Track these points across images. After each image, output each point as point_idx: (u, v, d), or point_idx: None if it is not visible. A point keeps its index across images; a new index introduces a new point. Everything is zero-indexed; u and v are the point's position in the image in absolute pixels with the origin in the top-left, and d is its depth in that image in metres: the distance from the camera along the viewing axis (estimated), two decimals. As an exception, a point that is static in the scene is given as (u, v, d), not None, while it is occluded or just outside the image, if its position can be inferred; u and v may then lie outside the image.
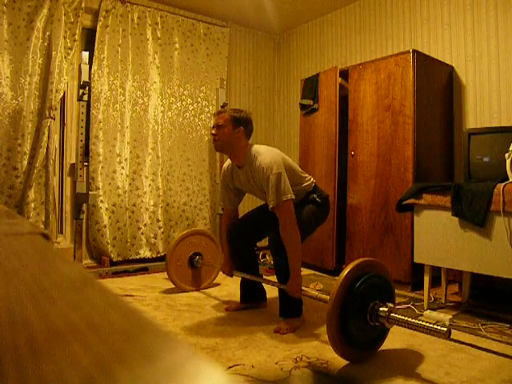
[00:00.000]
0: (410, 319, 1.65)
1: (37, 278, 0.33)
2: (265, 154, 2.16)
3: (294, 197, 2.11)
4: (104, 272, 3.40)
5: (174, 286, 2.89)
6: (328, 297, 1.75)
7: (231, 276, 2.58)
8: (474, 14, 3.15)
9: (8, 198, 3.27)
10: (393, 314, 1.68)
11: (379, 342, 1.84)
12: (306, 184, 2.34)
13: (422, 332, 1.62)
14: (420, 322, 1.62)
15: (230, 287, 2.99)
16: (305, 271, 3.33)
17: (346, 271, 1.72)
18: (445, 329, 1.55)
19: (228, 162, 2.39)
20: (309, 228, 2.32)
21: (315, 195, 2.35)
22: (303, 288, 2.13)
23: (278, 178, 2.07)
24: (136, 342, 0.22)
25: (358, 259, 1.82)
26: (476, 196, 2.20)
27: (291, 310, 2.20)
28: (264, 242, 2.59)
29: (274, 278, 2.32)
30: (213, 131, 2.24)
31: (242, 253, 2.48)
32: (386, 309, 1.70)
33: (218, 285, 3.08)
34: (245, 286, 2.54)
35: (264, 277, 2.59)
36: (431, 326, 1.59)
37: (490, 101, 3.06)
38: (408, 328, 1.67)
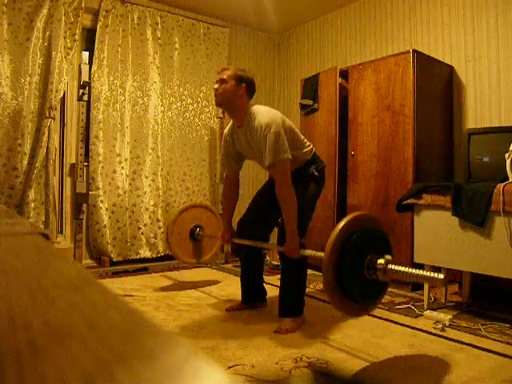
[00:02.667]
0: (406, 269, 1.63)
1: (37, 278, 0.33)
2: (264, 113, 2.15)
3: (290, 157, 2.08)
4: (104, 272, 3.40)
5: (173, 283, 2.89)
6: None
7: (231, 243, 2.56)
8: (474, 14, 3.15)
9: (8, 198, 3.27)
10: (390, 266, 1.64)
11: (379, 296, 1.80)
12: (306, 150, 2.29)
13: (420, 281, 1.60)
14: (416, 272, 1.61)
15: (230, 287, 2.99)
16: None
17: (341, 224, 1.68)
18: (442, 276, 1.54)
19: (229, 125, 2.38)
20: (312, 207, 2.31)
21: (314, 168, 2.29)
22: (300, 251, 2.08)
23: (275, 137, 2.04)
24: (136, 342, 0.22)
25: (354, 213, 1.78)
26: (476, 196, 2.20)
27: (291, 310, 2.20)
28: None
29: (274, 279, 2.33)
30: (215, 86, 2.23)
31: (252, 254, 2.47)
32: (383, 261, 1.66)
33: (217, 283, 3.08)
34: (246, 287, 2.53)
35: (264, 277, 2.59)
36: (427, 274, 1.58)
37: (489, 101, 3.06)
38: (405, 279, 1.65)
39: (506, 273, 2.08)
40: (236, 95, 2.18)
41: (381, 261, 1.66)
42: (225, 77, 2.20)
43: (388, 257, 1.68)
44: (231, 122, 2.35)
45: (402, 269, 1.63)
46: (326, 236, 3.45)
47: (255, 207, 2.50)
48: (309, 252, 2.05)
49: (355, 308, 1.71)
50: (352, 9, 4.11)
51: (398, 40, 3.69)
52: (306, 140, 2.35)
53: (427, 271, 1.61)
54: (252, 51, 4.80)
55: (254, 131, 2.13)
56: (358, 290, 1.67)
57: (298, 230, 2.09)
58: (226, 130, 2.41)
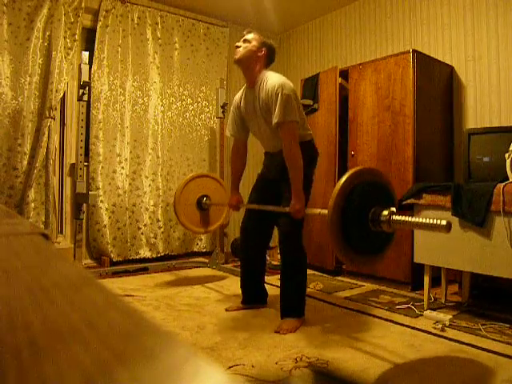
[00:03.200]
0: (409, 219, 1.63)
1: (37, 278, 0.33)
2: (279, 76, 2.22)
3: (299, 120, 2.13)
4: (104, 272, 3.40)
5: (172, 284, 2.89)
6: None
7: (238, 210, 2.58)
8: (474, 14, 3.15)
9: (8, 198, 3.27)
10: (394, 217, 1.64)
11: (386, 247, 1.80)
12: (307, 133, 2.31)
13: (423, 229, 1.59)
14: (420, 220, 1.60)
15: (230, 287, 2.99)
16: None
17: (344, 178, 1.67)
18: (444, 222, 1.53)
19: (240, 91, 2.42)
20: (309, 191, 2.30)
21: (308, 151, 2.27)
22: (306, 211, 2.09)
23: (288, 99, 2.10)
24: (136, 342, 0.22)
25: (356, 167, 1.77)
26: (476, 196, 2.20)
27: (293, 311, 2.20)
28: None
29: (274, 278, 2.33)
30: (238, 43, 2.28)
31: (256, 253, 2.47)
32: (386, 212, 1.65)
33: (217, 283, 3.08)
34: (246, 288, 2.52)
35: (267, 276, 2.59)
36: (430, 221, 1.57)
37: (489, 101, 3.06)
38: (409, 227, 1.63)
39: (506, 273, 2.08)
40: (255, 56, 2.24)
41: (385, 212, 1.65)
42: (249, 37, 2.27)
43: (392, 208, 1.67)
44: (242, 88, 2.39)
45: (406, 218, 1.62)
46: (326, 236, 3.45)
47: (253, 212, 2.49)
48: (313, 210, 2.06)
49: (363, 261, 1.71)
50: (352, 9, 4.11)
51: (398, 40, 3.69)
52: (307, 125, 2.37)
53: (430, 219, 1.59)
54: (252, 51, 4.79)
55: (266, 90, 2.16)
56: (364, 243, 1.67)
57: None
58: (236, 95, 2.45)
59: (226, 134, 2.65)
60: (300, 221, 2.15)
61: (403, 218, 1.63)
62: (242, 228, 2.48)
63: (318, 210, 1.99)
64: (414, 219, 1.63)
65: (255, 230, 2.42)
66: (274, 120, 2.10)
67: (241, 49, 2.25)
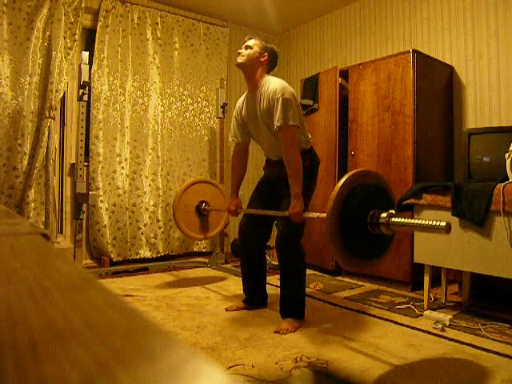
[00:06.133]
0: (409, 220, 1.62)
1: (37, 278, 0.33)
2: (280, 81, 2.23)
3: (299, 125, 2.13)
4: (104, 272, 3.40)
5: (172, 284, 2.89)
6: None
7: (236, 215, 2.58)
8: (474, 14, 3.15)
9: (8, 198, 3.27)
10: (393, 219, 1.63)
11: (385, 250, 1.79)
12: (307, 139, 2.31)
13: (423, 231, 1.58)
14: (419, 222, 1.59)
15: (230, 287, 2.99)
16: (305, 271, 3.33)
17: (342, 180, 1.67)
18: (443, 223, 1.52)
19: (242, 97, 2.43)
20: (309, 199, 2.31)
21: (309, 160, 2.28)
22: (305, 215, 2.09)
23: (289, 103, 2.11)
24: (136, 341, 0.22)
25: (354, 170, 1.77)
26: (476, 196, 2.20)
27: (293, 311, 2.20)
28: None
29: (274, 279, 2.33)
30: (240, 50, 2.31)
31: (254, 255, 2.47)
32: (385, 215, 1.64)
33: (217, 283, 3.08)
34: (248, 291, 2.52)
35: (268, 275, 2.59)
36: (430, 223, 1.56)
37: (490, 101, 3.06)
38: (408, 228, 1.63)
39: (506, 273, 2.08)
40: (257, 61, 2.26)
41: (383, 215, 1.65)
42: (251, 43, 2.30)
43: (391, 211, 1.66)
44: (244, 94, 2.41)
45: (404, 220, 1.62)
46: (324, 235, 3.45)
47: (254, 206, 2.49)
48: (313, 214, 2.06)
49: (362, 263, 1.70)
50: (352, 9, 4.11)
51: (398, 40, 3.69)
52: (307, 132, 2.37)
53: (429, 220, 1.58)
54: (252, 51, 4.79)
55: (267, 95, 2.18)
56: (363, 246, 1.66)
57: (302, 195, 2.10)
58: (238, 101, 2.46)
59: (228, 140, 2.65)
60: (299, 222, 2.15)
61: (402, 219, 1.62)
62: (240, 228, 2.48)
63: (317, 214, 2.00)
64: (413, 221, 1.62)
65: (253, 230, 2.42)
66: (276, 124, 2.11)
67: (243, 54, 2.27)
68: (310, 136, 2.36)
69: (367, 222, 1.66)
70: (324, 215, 1.75)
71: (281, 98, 2.10)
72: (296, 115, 2.13)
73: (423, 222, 1.59)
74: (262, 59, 2.28)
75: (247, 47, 2.29)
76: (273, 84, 2.19)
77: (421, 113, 2.98)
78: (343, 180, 1.68)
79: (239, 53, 2.30)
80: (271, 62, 2.33)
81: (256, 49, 2.28)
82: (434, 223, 1.55)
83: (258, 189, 2.51)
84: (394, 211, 1.68)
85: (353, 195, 1.66)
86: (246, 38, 2.36)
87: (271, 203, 2.33)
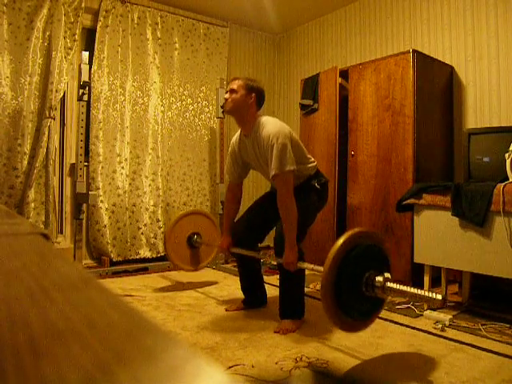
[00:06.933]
0: (404, 288, 1.63)
1: (37, 278, 0.33)
2: (273, 124, 2.16)
3: (296, 167, 2.11)
4: (104, 272, 3.40)
5: (172, 284, 2.89)
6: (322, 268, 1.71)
7: (229, 253, 2.56)
8: (474, 14, 3.15)
9: (8, 198, 3.27)
10: (388, 284, 1.64)
11: (375, 312, 1.80)
12: (310, 166, 2.31)
13: (418, 300, 1.60)
14: (415, 291, 1.60)
15: (230, 287, 2.99)
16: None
17: (340, 240, 1.68)
18: (440, 296, 1.53)
19: (236, 134, 2.39)
20: (310, 217, 2.32)
21: (316, 181, 2.32)
22: (299, 264, 2.08)
23: (282, 148, 2.06)
24: (136, 342, 0.22)
25: (353, 229, 1.78)
26: (476, 196, 2.20)
27: (291, 311, 2.20)
28: (264, 242, 2.59)
29: (273, 278, 2.33)
30: (226, 95, 2.24)
31: (247, 257, 2.46)
32: (381, 278, 1.65)
33: (217, 283, 3.08)
34: (247, 290, 2.52)
35: (264, 277, 2.59)
36: (426, 294, 1.57)
37: (490, 101, 3.06)
38: (403, 296, 1.65)
39: (506, 273, 2.08)
40: (245, 104, 2.20)
41: (379, 278, 1.67)
42: (235, 87, 2.21)
43: (387, 275, 1.68)
44: (239, 131, 2.36)
45: (400, 287, 1.63)
46: (325, 236, 3.46)
47: (251, 212, 2.50)
48: (307, 265, 2.06)
49: (352, 324, 1.71)
50: (352, 9, 4.11)
51: (398, 40, 3.69)
52: (310, 156, 2.37)
53: (425, 291, 1.61)
54: (252, 51, 4.80)
55: (261, 140, 2.14)
56: (356, 307, 1.68)
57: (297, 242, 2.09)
58: (233, 139, 2.42)
59: (225, 178, 2.64)
60: (299, 224, 2.14)
61: (398, 286, 1.64)
62: (232, 231, 2.46)
63: (311, 266, 2.00)
64: (409, 289, 1.63)
65: (245, 233, 2.41)
66: (271, 173, 2.08)
67: (229, 100, 2.21)
68: (312, 159, 2.35)
69: (362, 283, 1.67)
70: (319, 268, 1.82)
71: (275, 145, 2.06)
72: (292, 158, 2.09)
73: (419, 292, 1.60)
74: (250, 101, 2.20)
75: (232, 91, 2.21)
76: (266, 129, 2.12)
77: (421, 113, 2.98)
78: (342, 240, 1.69)
79: (225, 99, 2.23)
80: (260, 100, 2.26)
81: (241, 91, 2.20)
82: (430, 295, 1.56)
83: (262, 196, 2.53)
84: (389, 275, 1.70)
85: (351, 255, 1.67)
86: (229, 80, 2.29)
87: (269, 214, 2.33)
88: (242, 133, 2.30)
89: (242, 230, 2.42)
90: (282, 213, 2.08)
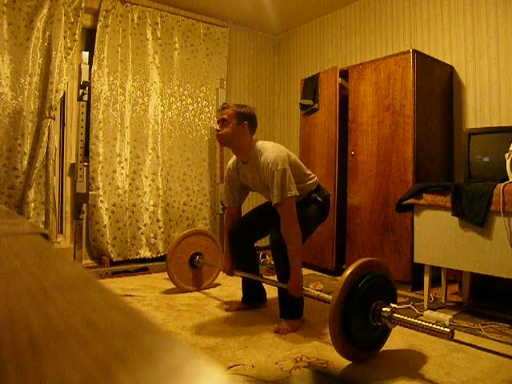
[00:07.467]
0: (412, 320, 1.65)
1: (37, 278, 0.33)
2: (270, 149, 2.14)
3: (298, 193, 2.10)
4: (104, 272, 3.40)
5: (174, 286, 2.89)
6: (330, 296, 1.75)
7: (232, 275, 2.57)
8: (474, 14, 3.15)
9: (8, 198, 3.27)
10: (395, 315, 1.68)
11: (381, 342, 1.84)
12: (310, 182, 2.33)
13: (425, 332, 1.62)
14: (423, 323, 1.62)
15: (230, 287, 2.99)
16: (305, 271, 3.31)
17: (348, 271, 1.71)
18: (448, 330, 1.54)
19: (233, 159, 2.38)
20: (310, 228, 2.33)
21: (317, 195, 2.34)
22: (304, 287, 2.12)
23: (282, 175, 2.06)
24: (136, 341, 0.22)
25: (361, 259, 1.81)
26: (476, 196, 2.20)
27: (291, 311, 2.20)
28: (264, 242, 2.59)
29: (274, 278, 2.32)
30: (217, 127, 2.23)
31: (242, 251, 2.47)
32: (388, 309, 1.70)
33: (218, 285, 3.07)
34: (246, 288, 2.53)
35: (264, 276, 2.59)
36: (434, 326, 1.59)
37: (490, 101, 3.06)
38: (410, 328, 1.67)
39: (506, 273, 2.08)
40: (239, 134, 2.18)
41: (386, 309, 1.70)
42: (225, 116, 2.19)
43: (393, 305, 1.72)
44: (234, 158, 2.35)
45: (408, 319, 1.65)
46: (325, 236, 3.46)
47: (251, 215, 2.52)
48: (313, 292, 2.09)
49: (359, 353, 1.73)
50: (352, 9, 4.11)
51: (398, 40, 3.69)
52: (309, 172, 2.38)
53: (433, 323, 1.62)
54: (252, 51, 4.80)
55: (261, 168, 2.13)
56: (363, 338, 1.71)
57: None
58: (229, 164, 2.40)
59: (224, 203, 2.64)
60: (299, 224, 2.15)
61: (405, 317, 1.66)
62: (229, 232, 2.46)
63: (318, 293, 2.03)
64: (416, 321, 1.64)
65: (242, 233, 2.42)
66: (273, 201, 2.09)
67: (222, 133, 2.19)
68: (312, 175, 2.36)
69: (370, 313, 1.71)
70: (326, 296, 1.89)
71: (275, 173, 2.06)
72: (293, 182, 2.09)
73: (426, 323, 1.61)
74: (243, 129, 2.19)
75: (223, 121, 2.19)
76: (264, 156, 2.11)
77: (421, 113, 2.98)
78: (352, 268, 1.72)
79: (217, 130, 2.22)
80: (253, 126, 2.25)
81: (233, 121, 2.18)
82: (438, 328, 1.56)
83: (260, 206, 2.54)
84: (396, 305, 1.74)
85: (359, 286, 1.71)
86: (219, 109, 2.27)
87: (266, 220, 2.35)
88: (239, 159, 2.29)
89: (239, 227, 2.43)
90: (286, 239, 2.09)
